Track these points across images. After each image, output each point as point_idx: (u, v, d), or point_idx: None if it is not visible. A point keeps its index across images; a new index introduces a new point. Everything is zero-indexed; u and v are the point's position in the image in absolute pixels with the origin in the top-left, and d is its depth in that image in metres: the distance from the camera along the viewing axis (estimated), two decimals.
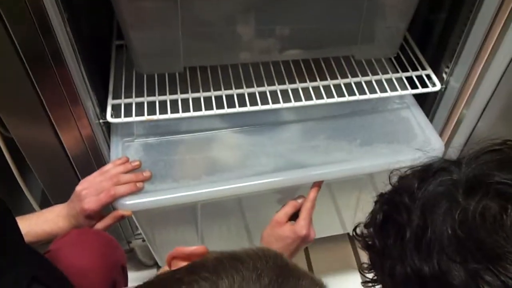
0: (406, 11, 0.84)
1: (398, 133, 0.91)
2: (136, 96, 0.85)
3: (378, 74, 0.93)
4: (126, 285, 0.80)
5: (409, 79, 0.93)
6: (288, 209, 0.79)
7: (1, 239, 0.51)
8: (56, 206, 0.78)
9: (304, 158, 0.86)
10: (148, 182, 0.80)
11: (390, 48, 0.92)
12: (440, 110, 0.96)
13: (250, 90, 0.87)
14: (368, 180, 0.94)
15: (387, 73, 0.94)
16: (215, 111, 0.83)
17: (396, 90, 0.91)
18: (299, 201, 0.80)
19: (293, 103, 0.85)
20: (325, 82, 0.90)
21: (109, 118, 0.82)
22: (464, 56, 0.85)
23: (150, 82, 0.88)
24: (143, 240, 1.06)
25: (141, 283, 0.38)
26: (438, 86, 0.91)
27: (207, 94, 0.86)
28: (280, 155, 0.86)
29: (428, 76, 0.93)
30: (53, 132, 0.75)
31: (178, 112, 0.83)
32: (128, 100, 0.85)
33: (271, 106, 0.85)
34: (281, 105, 0.85)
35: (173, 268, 0.42)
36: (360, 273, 0.71)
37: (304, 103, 0.86)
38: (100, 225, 0.77)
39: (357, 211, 1.05)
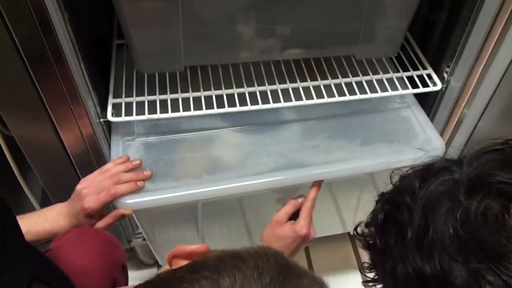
0: (407, 10, 0.84)
1: (398, 132, 0.91)
2: (137, 95, 0.85)
3: (379, 73, 0.93)
4: (127, 284, 0.80)
5: (410, 79, 0.93)
6: (288, 208, 0.79)
7: (1, 237, 0.51)
8: (56, 205, 0.78)
9: (305, 157, 0.86)
10: (149, 181, 0.80)
11: (391, 47, 0.92)
12: (441, 109, 0.96)
13: (251, 89, 0.87)
14: (369, 180, 0.94)
15: (388, 72, 0.94)
16: (215, 110, 0.83)
17: (397, 89, 0.90)
18: (300, 200, 0.80)
19: (293, 102, 0.85)
20: (326, 82, 0.90)
21: (109, 117, 0.82)
22: (465, 55, 0.85)
23: (151, 81, 0.87)
24: (144, 239, 1.06)
25: (141, 282, 0.38)
26: (439, 86, 0.91)
27: (207, 93, 0.86)
28: (281, 155, 0.86)
29: (429, 76, 0.93)
30: (53, 131, 0.75)
31: (178, 111, 0.83)
32: (128, 99, 0.85)
33: (271, 105, 0.85)
34: (282, 104, 0.85)
35: (174, 267, 0.42)
36: (361, 272, 0.71)
37: (304, 102, 0.86)
38: (100, 224, 0.77)
39: (357, 211, 1.05)
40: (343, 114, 0.94)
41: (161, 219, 0.91)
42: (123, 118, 0.82)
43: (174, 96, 0.85)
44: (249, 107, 0.84)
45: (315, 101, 0.86)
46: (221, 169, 0.84)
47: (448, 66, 0.90)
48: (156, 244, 0.98)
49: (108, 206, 0.76)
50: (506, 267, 0.38)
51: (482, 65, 0.81)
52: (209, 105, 0.84)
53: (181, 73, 0.88)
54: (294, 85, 0.88)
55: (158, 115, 0.82)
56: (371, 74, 0.92)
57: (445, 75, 0.91)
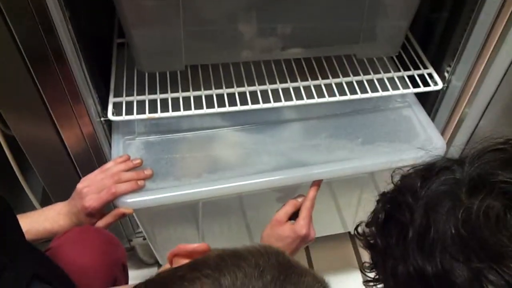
0: (408, 9, 0.84)
1: (399, 131, 0.91)
2: (138, 94, 0.85)
3: (380, 72, 0.93)
4: (127, 283, 0.80)
5: (411, 78, 0.93)
6: (288, 208, 0.79)
7: (1, 236, 0.51)
8: (57, 204, 0.78)
9: (306, 156, 0.86)
10: (149, 180, 0.80)
11: (392, 47, 0.92)
12: (442, 109, 0.95)
13: (252, 88, 0.87)
14: (370, 179, 0.94)
15: (389, 71, 0.94)
16: (216, 109, 0.83)
17: (398, 88, 0.90)
18: (299, 200, 0.80)
19: (294, 102, 0.85)
20: (326, 81, 0.90)
21: (110, 116, 0.82)
22: (466, 54, 0.85)
23: (152, 80, 0.87)
24: (144, 239, 1.06)
25: (141, 281, 0.38)
26: (440, 85, 0.91)
27: (208, 92, 0.86)
28: (282, 154, 0.86)
29: (430, 75, 0.93)
30: (54, 130, 0.75)
31: (179, 110, 0.83)
32: (129, 98, 0.85)
33: (272, 104, 0.85)
34: (283, 103, 0.85)
35: (174, 266, 0.42)
36: (362, 272, 0.70)
37: (305, 101, 0.86)
38: (101, 223, 0.77)
39: (358, 210, 1.05)
40: (344, 113, 0.94)
41: (161, 218, 0.91)
42: (124, 117, 0.82)
43: (175, 95, 0.85)
44: (250, 106, 0.84)
45: (316, 100, 0.86)
46: (221, 168, 0.84)
47: (449, 66, 0.90)
48: (157, 243, 0.98)
49: (108, 205, 0.76)
50: (508, 267, 0.37)
51: (483, 64, 0.81)
52: (210, 104, 0.84)
53: (182, 72, 0.88)
54: (295, 84, 0.88)
55: (159, 114, 0.82)
56: (372, 73, 0.92)
57: (446, 74, 0.91)
